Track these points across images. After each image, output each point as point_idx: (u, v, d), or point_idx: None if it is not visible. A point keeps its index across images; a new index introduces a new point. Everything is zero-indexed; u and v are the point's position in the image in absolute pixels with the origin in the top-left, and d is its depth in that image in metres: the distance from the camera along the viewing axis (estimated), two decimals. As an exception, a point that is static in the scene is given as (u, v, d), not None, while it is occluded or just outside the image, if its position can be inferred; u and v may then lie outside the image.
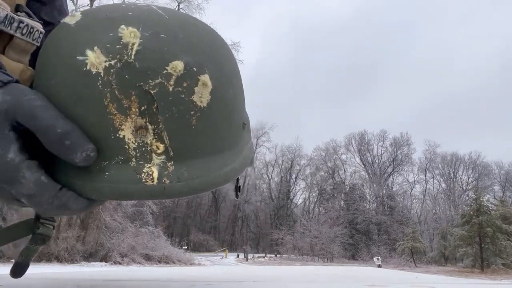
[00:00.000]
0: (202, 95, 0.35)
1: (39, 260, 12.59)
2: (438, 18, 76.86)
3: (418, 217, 38.36)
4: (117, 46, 0.32)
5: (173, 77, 0.33)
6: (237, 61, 0.44)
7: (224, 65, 0.39)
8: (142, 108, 0.32)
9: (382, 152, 42.26)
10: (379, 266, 16.00)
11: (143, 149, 0.33)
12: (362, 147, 42.44)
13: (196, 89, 0.34)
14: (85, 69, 0.32)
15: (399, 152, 41.72)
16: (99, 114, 0.32)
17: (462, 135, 62.82)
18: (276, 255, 32.47)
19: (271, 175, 45.70)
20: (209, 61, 0.36)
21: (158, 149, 0.33)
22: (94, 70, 0.32)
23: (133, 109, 0.32)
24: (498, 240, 18.92)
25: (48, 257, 12.81)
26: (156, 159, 0.33)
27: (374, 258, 20.24)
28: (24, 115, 0.32)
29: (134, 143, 0.33)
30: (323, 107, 75.35)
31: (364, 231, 34.68)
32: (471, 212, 20.10)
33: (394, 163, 41.37)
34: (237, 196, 0.52)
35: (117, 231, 14.65)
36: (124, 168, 0.33)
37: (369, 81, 74.47)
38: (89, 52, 0.32)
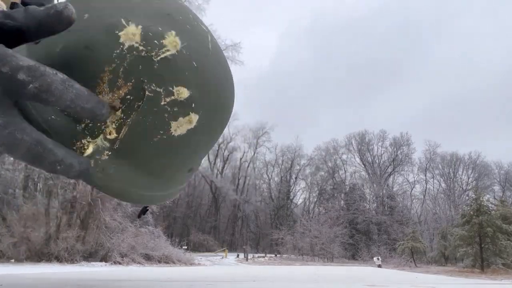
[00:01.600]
0: (180, 127, 0.35)
1: (39, 260, 12.59)
2: (438, 19, 76.95)
3: (418, 217, 38.34)
4: (155, 41, 0.33)
5: (172, 98, 0.33)
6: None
7: (218, 111, 0.39)
8: (128, 96, 0.32)
9: (382, 152, 42.31)
10: (379, 266, 16.00)
11: (99, 124, 0.32)
12: (362, 147, 42.47)
13: (180, 118, 0.34)
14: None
15: (399, 152, 41.75)
16: (88, 77, 0.31)
17: (462, 135, 62.85)
18: (276, 255, 32.43)
19: (271, 175, 45.77)
20: (209, 105, 0.37)
21: (110, 134, 0.33)
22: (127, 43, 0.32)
23: (120, 91, 0.32)
24: (498, 240, 18.90)
25: (48, 257, 12.80)
26: (100, 141, 0.32)
27: (374, 258, 20.23)
28: None
29: None
30: (324, 107, 75.42)
31: (364, 231, 34.67)
32: (471, 212, 20.07)
33: (394, 163, 41.39)
34: (139, 216, 0.51)
35: (117, 231, 14.65)
36: (72, 127, 0.32)
37: (369, 81, 74.55)
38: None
